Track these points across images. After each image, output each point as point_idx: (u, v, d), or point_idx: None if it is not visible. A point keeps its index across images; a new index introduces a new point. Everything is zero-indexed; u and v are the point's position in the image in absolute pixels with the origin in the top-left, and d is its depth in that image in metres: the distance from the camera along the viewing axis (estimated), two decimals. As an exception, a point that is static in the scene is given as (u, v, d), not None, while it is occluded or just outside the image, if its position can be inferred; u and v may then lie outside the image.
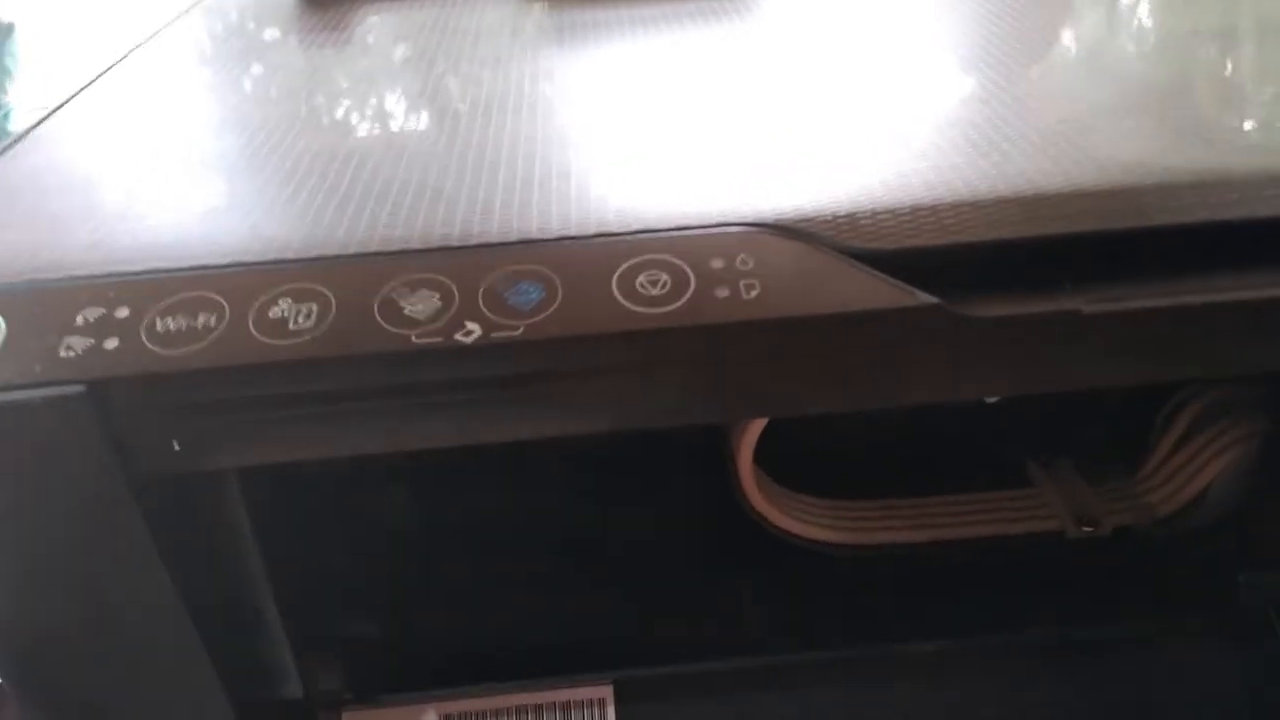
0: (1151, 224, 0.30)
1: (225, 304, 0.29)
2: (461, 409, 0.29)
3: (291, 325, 0.28)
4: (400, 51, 0.48)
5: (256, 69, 0.47)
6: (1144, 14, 0.47)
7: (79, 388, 0.27)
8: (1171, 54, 0.42)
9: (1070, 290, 0.29)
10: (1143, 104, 0.37)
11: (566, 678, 0.40)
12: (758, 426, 0.42)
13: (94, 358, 0.28)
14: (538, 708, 0.40)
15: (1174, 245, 0.30)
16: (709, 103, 0.39)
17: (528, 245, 0.30)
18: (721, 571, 0.46)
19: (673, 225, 0.30)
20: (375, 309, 0.28)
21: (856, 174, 0.32)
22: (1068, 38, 0.45)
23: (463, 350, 0.28)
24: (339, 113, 0.41)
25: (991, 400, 0.42)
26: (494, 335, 0.28)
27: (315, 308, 0.28)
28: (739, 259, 0.29)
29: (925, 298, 0.28)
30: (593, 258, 0.29)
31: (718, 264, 0.29)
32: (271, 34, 0.53)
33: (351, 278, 0.29)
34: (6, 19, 1.04)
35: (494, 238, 0.30)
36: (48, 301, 0.29)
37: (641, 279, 0.29)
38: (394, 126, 0.39)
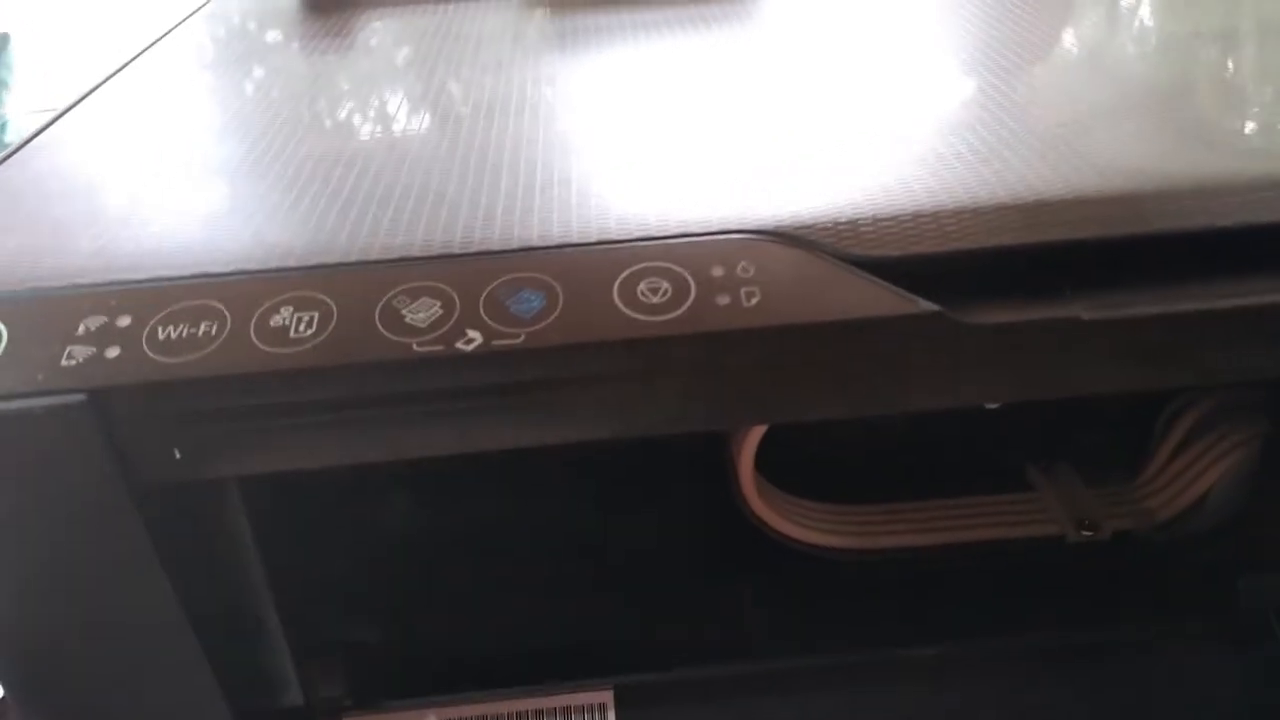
0: (1152, 230, 0.30)
1: (227, 312, 0.29)
2: (463, 417, 0.29)
3: (293, 333, 0.28)
4: (402, 57, 0.48)
5: (259, 74, 0.47)
6: (1144, 16, 0.47)
7: (80, 396, 0.27)
8: (1172, 57, 0.42)
9: (1071, 297, 0.29)
10: (1143, 108, 0.37)
11: (567, 683, 0.40)
12: (758, 432, 0.42)
13: (96, 366, 0.28)
14: (538, 713, 0.40)
15: (1175, 251, 0.30)
16: (710, 109, 0.39)
17: (529, 253, 0.30)
18: (722, 576, 0.46)
19: (673, 232, 0.30)
20: (376, 317, 0.28)
21: (856, 181, 0.32)
22: (1068, 41, 0.45)
23: (464, 358, 0.28)
24: (341, 118, 0.41)
25: (992, 406, 0.42)
26: (495, 343, 0.28)
27: (316, 316, 0.28)
28: (740, 266, 0.29)
29: (926, 305, 0.28)
30: (594, 265, 0.29)
31: (718, 271, 0.29)
32: (274, 39, 0.53)
33: (353, 286, 0.29)
34: (1, 30, 1.04)
35: (495, 245, 0.30)
36: (50, 310, 0.29)
37: (642, 286, 0.29)
38: (396, 132, 0.39)
